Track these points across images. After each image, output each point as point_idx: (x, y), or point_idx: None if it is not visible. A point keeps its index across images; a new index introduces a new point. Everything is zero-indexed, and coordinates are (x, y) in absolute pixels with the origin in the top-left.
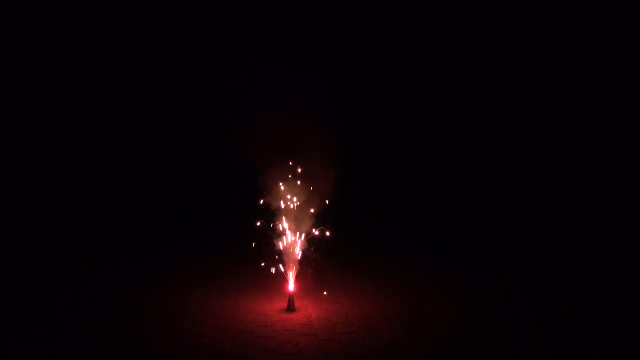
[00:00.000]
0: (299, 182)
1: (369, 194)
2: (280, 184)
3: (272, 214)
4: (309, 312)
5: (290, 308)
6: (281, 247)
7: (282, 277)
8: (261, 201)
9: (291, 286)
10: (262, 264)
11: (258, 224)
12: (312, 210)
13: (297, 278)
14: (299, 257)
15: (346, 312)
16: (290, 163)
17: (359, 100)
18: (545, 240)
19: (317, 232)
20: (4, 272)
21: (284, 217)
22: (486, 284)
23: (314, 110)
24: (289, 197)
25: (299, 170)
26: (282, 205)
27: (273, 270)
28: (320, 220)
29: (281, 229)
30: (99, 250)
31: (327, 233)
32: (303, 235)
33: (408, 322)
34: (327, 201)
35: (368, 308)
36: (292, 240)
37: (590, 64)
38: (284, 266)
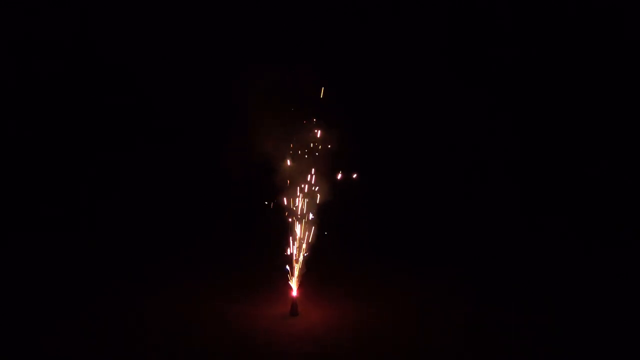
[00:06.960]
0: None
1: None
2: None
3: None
4: (311, 317)
5: (294, 313)
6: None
7: (285, 282)
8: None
9: (294, 291)
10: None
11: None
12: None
13: (300, 283)
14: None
15: (349, 317)
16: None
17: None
18: (545, 240)
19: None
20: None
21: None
22: (483, 287)
23: (313, 110)
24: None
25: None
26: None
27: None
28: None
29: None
30: (108, 253)
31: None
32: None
33: (410, 328)
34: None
35: (371, 313)
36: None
37: (591, 63)
38: (289, 270)
